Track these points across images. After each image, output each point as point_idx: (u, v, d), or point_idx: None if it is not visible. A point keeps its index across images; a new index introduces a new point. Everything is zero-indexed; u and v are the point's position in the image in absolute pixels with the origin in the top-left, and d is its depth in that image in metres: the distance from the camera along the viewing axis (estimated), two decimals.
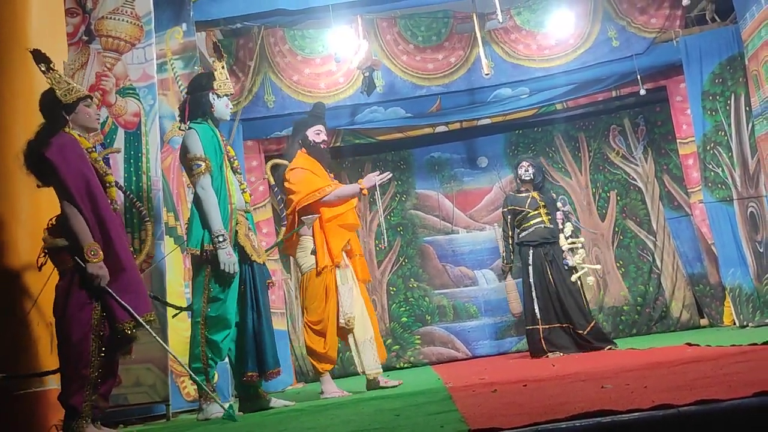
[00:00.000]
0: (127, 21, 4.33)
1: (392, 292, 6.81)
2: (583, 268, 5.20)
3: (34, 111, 3.24)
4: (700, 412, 1.67)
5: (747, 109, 5.30)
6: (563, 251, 5.24)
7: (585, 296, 5.30)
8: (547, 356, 5.01)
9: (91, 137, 3.12)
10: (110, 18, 4.31)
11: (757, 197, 5.25)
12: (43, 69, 2.98)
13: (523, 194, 5.45)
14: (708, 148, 5.64)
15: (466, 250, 6.90)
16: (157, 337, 2.97)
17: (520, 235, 5.37)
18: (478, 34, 5.68)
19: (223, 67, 3.66)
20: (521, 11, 6.12)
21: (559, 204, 5.52)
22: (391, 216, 6.98)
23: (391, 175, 4.34)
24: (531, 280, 5.24)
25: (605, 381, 2.59)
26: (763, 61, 4.85)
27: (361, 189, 4.11)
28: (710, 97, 5.61)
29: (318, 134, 4.28)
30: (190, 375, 3.38)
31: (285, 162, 4.28)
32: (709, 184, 5.66)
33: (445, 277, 6.86)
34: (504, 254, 5.53)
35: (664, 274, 6.59)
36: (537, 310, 5.15)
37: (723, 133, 5.54)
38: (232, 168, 3.62)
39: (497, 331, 6.69)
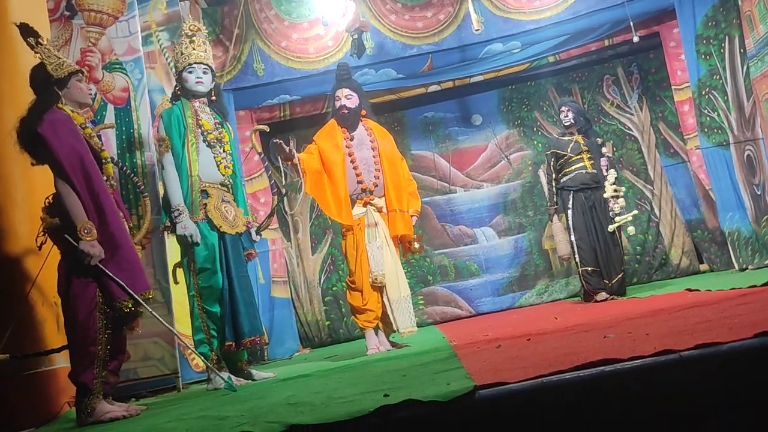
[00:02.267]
0: None
1: None
2: (624, 216, 5.18)
3: (20, 91, 3.20)
4: (702, 356, 1.70)
5: (741, 51, 5.23)
6: (607, 198, 5.18)
7: (622, 245, 5.29)
8: (595, 299, 5.05)
9: (83, 113, 3.08)
10: None
11: (753, 140, 5.22)
12: (31, 43, 2.92)
13: (567, 138, 5.39)
14: (703, 93, 5.59)
15: (464, 209, 6.90)
16: (155, 315, 2.99)
17: (562, 180, 5.33)
18: None
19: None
20: None
21: (604, 150, 5.42)
22: None
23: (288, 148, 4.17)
24: (570, 223, 5.23)
25: (608, 330, 2.62)
26: (757, 1, 4.77)
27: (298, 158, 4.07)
28: (704, 41, 5.54)
29: (337, 100, 4.28)
30: (191, 349, 3.44)
31: (265, 127, 4.27)
32: (705, 130, 5.63)
33: (444, 236, 6.88)
34: (548, 197, 5.54)
35: (663, 222, 6.61)
36: (576, 253, 5.18)
37: (718, 77, 5.49)
38: (206, 142, 3.67)
39: (499, 288, 6.74)
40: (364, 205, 4.14)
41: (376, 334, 4.08)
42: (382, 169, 4.23)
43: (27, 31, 2.93)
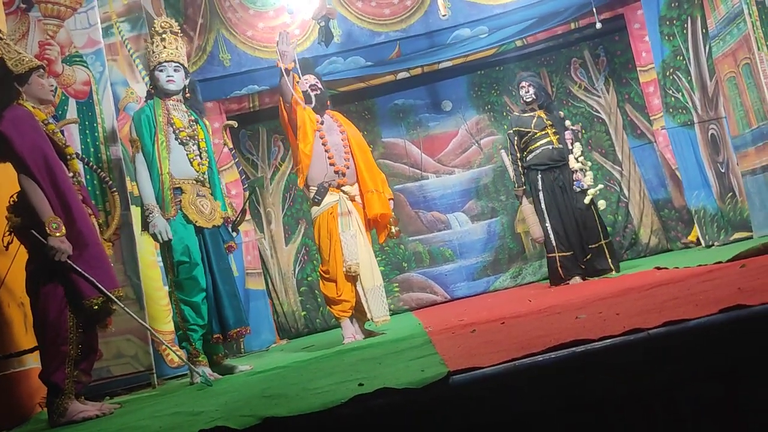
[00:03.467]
0: None
1: None
2: (595, 189, 5.16)
3: None
4: (670, 333, 1.73)
5: (704, 31, 5.31)
6: (574, 172, 5.08)
7: (599, 217, 5.17)
8: (567, 283, 4.97)
9: (44, 109, 3.01)
10: None
11: (717, 119, 5.31)
12: None
13: (528, 114, 5.24)
14: (667, 73, 5.67)
15: (437, 195, 6.92)
16: (128, 311, 2.96)
17: (527, 158, 5.17)
18: None
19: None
20: None
21: (567, 123, 5.31)
22: None
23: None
24: (543, 206, 5.07)
25: (579, 312, 2.66)
26: None
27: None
28: (667, 22, 5.60)
29: (306, 82, 4.29)
30: (165, 344, 3.43)
31: (233, 123, 4.26)
32: (670, 110, 5.71)
33: (418, 223, 6.89)
34: (515, 179, 5.27)
35: (632, 202, 6.71)
36: (552, 238, 5.04)
37: (681, 58, 5.56)
38: (178, 139, 3.69)
39: (474, 272, 6.79)
40: (337, 191, 4.11)
41: (352, 323, 4.08)
42: (352, 154, 4.23)
43: None
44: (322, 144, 4.11)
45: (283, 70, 4.04)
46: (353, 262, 3.99)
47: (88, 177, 3.92)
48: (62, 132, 3.18)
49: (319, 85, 4.34)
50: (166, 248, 3.62)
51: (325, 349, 3.87)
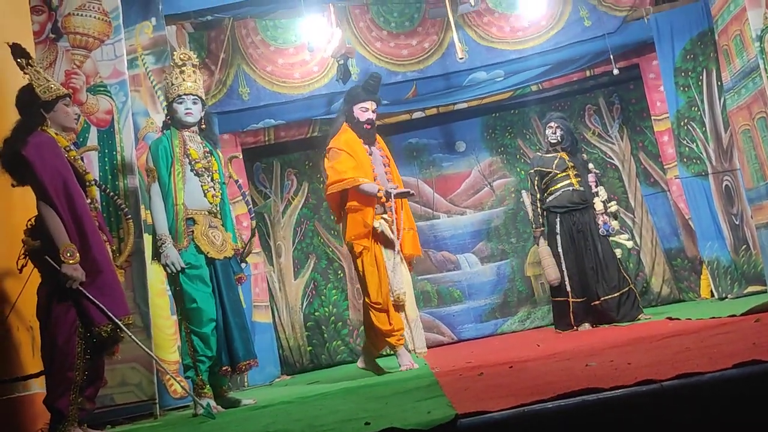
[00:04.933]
0: (95, 17, 4.26)
1: None
2: (625, 237, 5.11)
3: (3, 112, 3.18)
4: (683, 386, 1.70)
5: (719, 83, 5.36)
6: (600, 216, 4.99)
7: (621, 263, 5.09)
8: (576, 329, 4.88)
9: (66, 136, 3.07)
10: (77, 14, 4.23)
11: (731, 171, 5.32)
12: (22, 64, 2.92)
13: (551, 155, 5.19)
14: (682, 123, 5.70)
15: (447, 235, 6.91)
16: (136, 340, 2.96)
17: (548, 200, 5.10)
18: (451, 19, 5.65)
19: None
20: None
21: (590, 166, 5.27)
22: None
23: (412, 192, 4.25)
24: (559, 250, 4.98)
25: (590, 359, 2.63)
26: (733, 36, 4.89)
27: (378, 190, 3.99)
28: (683, 73, 5.67)
29: (364, 111, 4.17)
30: (170, 375, 3.41)
31: (237, 155, 4.25)
32: (684, 160, 5.73)
33: (427, 262, 6.88)
34: (533, 219, 5.17)
35: (644, 250, 6.67)
36: (567, 282, 4.92)
37: (696, 109, 5.60)
38: (194, 170, 3.72)
39: (482, 314, 6.74)
40: (379, 218, 4.03)
41: (407, 350, 4.02)
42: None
43: (18, 52, 2.94)
44: (373, 177, 4.05)
45: None
46: (401, 291, 3.93)
47: (103, 203, 3.96)
48: (83, 159, 3.24)
49: (374, 119, 4.23)
50: (176, 278, 3.61)
51: (330, 385, 3.83)
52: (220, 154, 4.05)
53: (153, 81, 4.65)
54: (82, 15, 4.23)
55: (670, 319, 4.28)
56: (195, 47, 5.75)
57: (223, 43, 5.88)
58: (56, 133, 2.96)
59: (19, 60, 2.93)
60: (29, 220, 2.90)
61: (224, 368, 3.64)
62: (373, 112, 4.21)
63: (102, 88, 4.21)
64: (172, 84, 3.79)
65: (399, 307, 3.96)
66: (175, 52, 3.93)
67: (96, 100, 4.21)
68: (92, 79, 4.20)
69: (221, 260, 3.70)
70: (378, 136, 4.36)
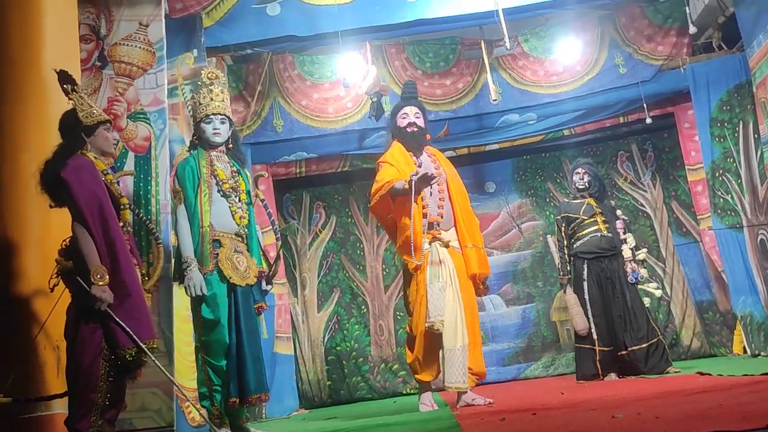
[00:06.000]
0: (140, 47, 4.40)
1: (399, 317, 6.76)
2: (655, 286, 5.03)
3: (47, 135, 3.28)
4: None
5: (756, 136, 5.30)
6: (629, 263, 4.91)
7: (650, 313, 5.00)
8: (602, 379, 4.75)
9: (104, 160, 3.15)
10: (123, 44, 4.38)
11: (767, 224, 5.21)
12: (67, 89, 3.02)
13: (578, 201, 5.15)
14: (717, 174, 5.63)
15: None
16: (159, 364, 2.96)
17: (575, 246, 5.01)
18: (486, 61, 5.72)
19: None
20: (528, 38, 6.17)
21: (618, 212, 5.19)
22: None
23: (435, 176, 3.77)
24: (586, 297, 4.88)
25: (616, 410, 2.56)
26: None
27: (406, 181, 3.68)
28: (718, 124, 5.62)
29: (404, 118, 4.03)
30: (190, 402, 3.36)
31: (265, 173, 4.17)
32: (719, 211, 5.64)
33: None
34: (560, 266, 5.08)
35: (674, 301, 6.53)
36: (593, 330, 4.81)
37: (732, 160, 5.53)
38: (221, 191, 3.63)
39: (505, 358, 6.63)
40: (430, 241, 3.79)
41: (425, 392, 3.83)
42: (450, 200, 3.93)
43: (65, 78, 3.04)
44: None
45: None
46: (437, 319, 3.60)
47: (135, 227, 4.02)
48: (118, 182, 3.31)
49: (420, 122, 4.02)
50: (197, 304, 3.51)
51: (348, 422, 3.78)
52: (248, 173, 3.98)
53: (191, 110, 4.77)
54: (128, 45, 4.38)
55: (701, 374, 4.15)
56: (233, 79, 5.90)
57: (261, 76, 6.02)
58: (95, 157, 3.04)
59: (64, 86, 3.03)
60: (63, 240, 2.96)
61: (232, 400, 3.46)
62: (415, 116, 4.03)
63: (142, 116, 4.32)
64: (200, 103, 3.70)
65: (433, 336, 3.63)
66: (203, 71, 3.88)
67: (135, 126, 4.32)
68: (133, 106, 4.32)
69: (243, 287, 3.58)
70: (435, 149, 4.20)
